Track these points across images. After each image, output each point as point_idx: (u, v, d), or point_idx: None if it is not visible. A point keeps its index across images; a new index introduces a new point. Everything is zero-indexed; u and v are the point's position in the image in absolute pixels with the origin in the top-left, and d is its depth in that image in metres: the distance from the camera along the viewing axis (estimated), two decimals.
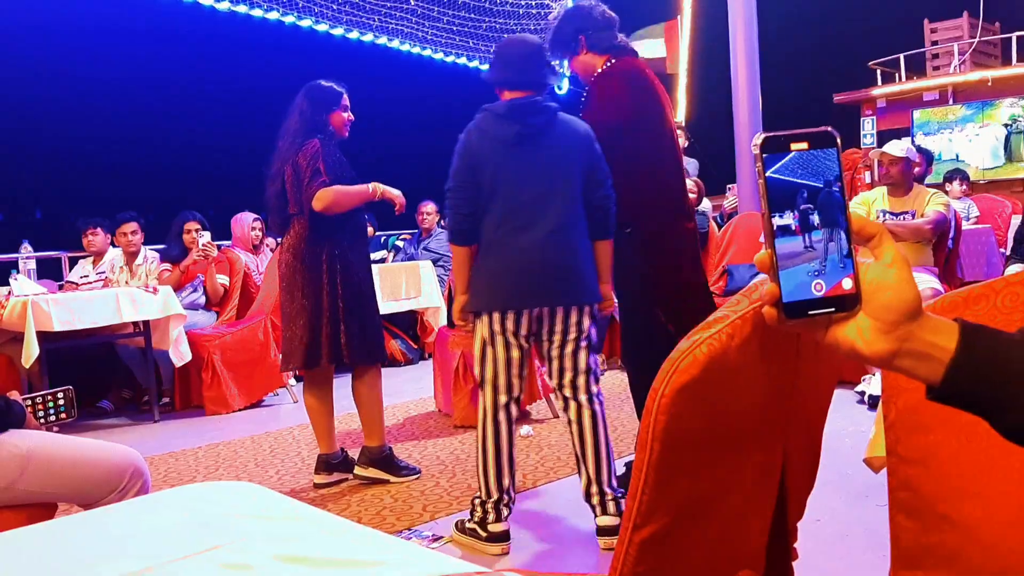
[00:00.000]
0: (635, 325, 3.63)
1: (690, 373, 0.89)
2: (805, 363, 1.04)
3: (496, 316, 3.07)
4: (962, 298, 1.20)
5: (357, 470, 3.95)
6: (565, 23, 3.63)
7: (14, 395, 2.22)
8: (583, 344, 3.10)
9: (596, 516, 3.09)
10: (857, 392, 4.95)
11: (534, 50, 3.18)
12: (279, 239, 4.08)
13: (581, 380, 3.11)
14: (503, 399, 3.11)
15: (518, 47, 3.19)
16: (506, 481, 3.10)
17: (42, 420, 2.27)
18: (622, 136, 3.40)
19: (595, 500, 3.09)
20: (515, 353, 3.09)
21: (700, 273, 3.75)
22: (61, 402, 2.30)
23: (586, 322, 3.10)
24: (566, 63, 3.74)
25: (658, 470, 0.92)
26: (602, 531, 3.08)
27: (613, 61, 3.54)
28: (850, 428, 4.25)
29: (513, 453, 3.14)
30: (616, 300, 3.63)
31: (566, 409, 3.16)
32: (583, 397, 3.11)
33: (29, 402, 2.26)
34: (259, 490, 1.14)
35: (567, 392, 3.13)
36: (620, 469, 3.82)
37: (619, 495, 3.10)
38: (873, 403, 4.78)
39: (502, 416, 3.11)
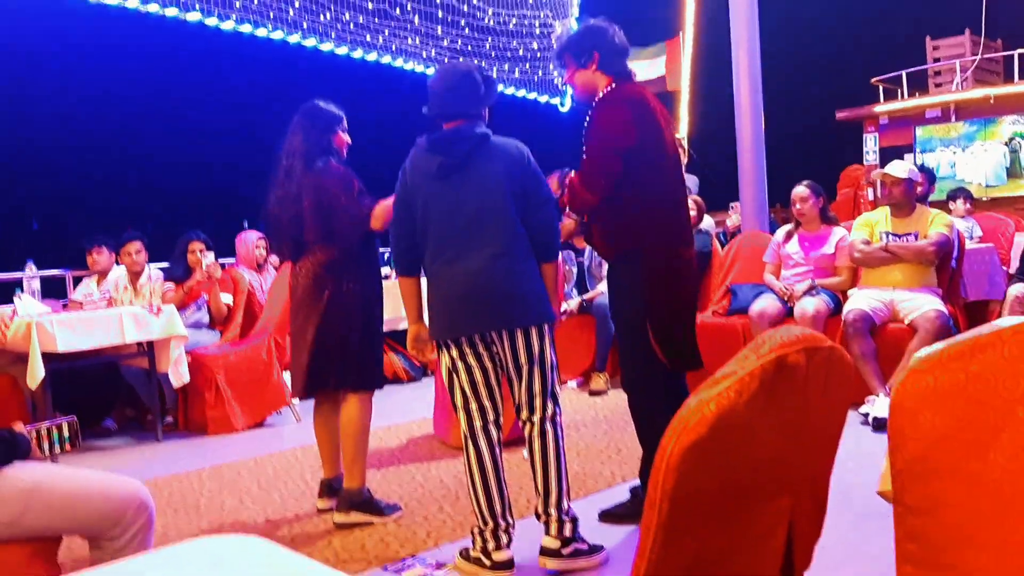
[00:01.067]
0: (632, 350, 3.63)
1: (698, 432, 0.89)
2: (812, 415, 1.04)
3: (451, 343, 3.14)
4: (968, 347, 1.20)
5: (337, 518, 3.73)
6: (584, 35, 3.65)
7: (18, 427, 2.22)
8: (536, 366, 3.14)
9: (543, 535, 3.13)
10: (861, 413, 4.94)
11: (459, 79, 3.22)
12: (288, 262, 3.99)
13: (537, 402, 3.16)
14: (478, 423, 3.15)
15: (444, 78, 3.24)
16: (498, 507, 3.11)
17: (46, 452, 2.27)
18: (623, 161, 3.44)
19: (543, 520, 3.14)
20: (478, 376, 3.14)
21: (693, 303, 3.73)
22: (65, 433, 2.30)
23: (536, 344, 3.13)
24: (564, 73, 3.76)
25: (667, 530, 0.92)
26: (544, 551, 3.12)
27: (615, 85, 3.57)
28: (854, 450, 4.23)
29: (502, 477, 3.15)
30: (612, 324, 3.70)
31: (523, 429, 3.21)
32: (536, 418, 3.16)
33: (33, 433, 2.26)
34: (269, 548, 1.14)
35: (523, 414, 3.18)
36: (625, 495, 3.82)
37: (569, 517, 3.13)
38: (878, 425, 4.76)
39: (482, 441, 3.13)
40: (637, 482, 3.89)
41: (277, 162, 3.82)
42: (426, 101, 3.26)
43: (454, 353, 3.14)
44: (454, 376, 3.17)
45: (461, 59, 9.02)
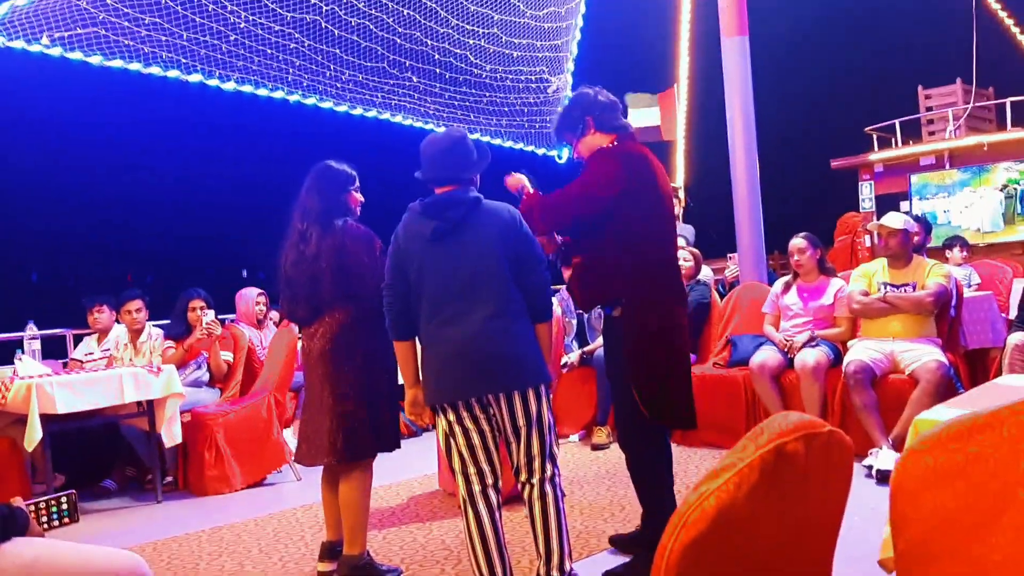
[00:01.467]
0: (623, 406, 3.63)
1: (698, 528, 0.89)
2: (813, 503, 1.04)
3: (448, 407, 3.14)
4: (967, 427, 1.21)
5: None
6: (572, 107, 3.75)
7: (17, 501, 2.21)
8: (534, 428, 3.14)
9: None
10: (864, 466, 4.91)
11: (451, 145, 3.28)
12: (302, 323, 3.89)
13: (536, 463, 3.16)
14: (477, 487, 3.14)
15: (436, 144, 3.30)
16: (499, 571, 3.09)
17: (45, 526, 2.26)
18: (612, 214, 3.47)
19: None
20: (476, 439, 3.14)
21: (685, 361, 3.69)
22: (64, 506, 2.29)
23: (534, 406, 3.13)
24: (572, 150, 3.84)
25: None
26: None
27: (617, 143, 3.63)
28: (859, 505, 4.19)
29: (502, 540, 3.14)
30: (609, 382, 3.71)
31: (522, 491, 3.20)
32: (536, 479, 3.15)
33: (32, 507, 2.25)
34: None
35: (523, 476, 3.18)
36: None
37: None
38: (881, 478, 4.73)
39: (481, 505, 3.12)
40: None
41: (290, 224, 3.79)
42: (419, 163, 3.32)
43: (451, 417, 3.15)
44: (451, 440, 3.17)
45: (459, 114, 9.13)
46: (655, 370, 3.51)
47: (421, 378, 3.28)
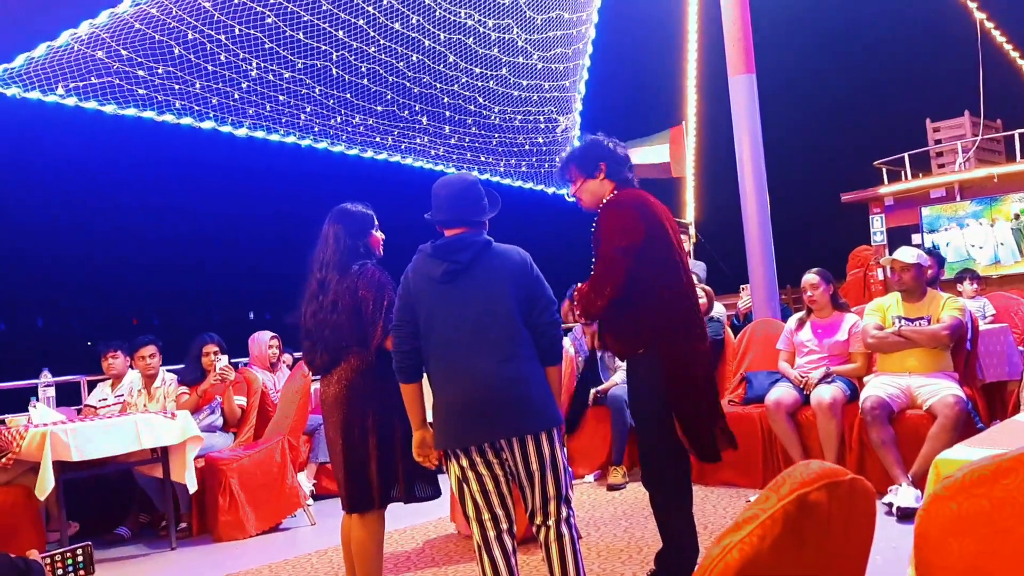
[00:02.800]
0: (653, 445, 3.65)
1: None
2: (836, 551, 1.03)
3: (460, 453, 3.11)
4: (990, 472, 1.19)
5: None
6: (590, 148, 3.83)
7: (33, 554, 2.20)
8: (548, 471, 3.10)
9: None
10: (885, 504, 4.85)
11: (463, 189, 3.29)
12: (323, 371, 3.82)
13: (551, 507, 3.13)
14: (491, 533, 3.11)
15: (448, 187, 3.31)
16: None
17: None
18: (634, 262, 3.53)
19: None
20: (490, 484, 3.11)
21: (714, 392, 3.80)
22: (80, 559, 2.29)
23: (547, 448, 3.10)
24: (570, 187, 3.88)
25: None
26: None
27: (617, 191, 3.72)
28: (880, 543, 4.13)
29: None
30: (633, 421, 3.70)
31: (537, 534, 3.17)
32: (551, 522, 3.12)
33: (48, 560, 2.24)
34: None
35: (538, 519, 3.14)
36: None
37: None
38: (903, 515, 4.68)
39: (496, 551, 3.09)
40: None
41: (309, 273, 3.76)
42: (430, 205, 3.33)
43: (464, 463, 3.12)
44: (464, 486, 3.14)
45: (469, 155, 9.20)
46: (693, 405, 3.59)
47: (431, 421, 3.25)
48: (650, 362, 3.57)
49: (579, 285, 3.73)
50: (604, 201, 3.72)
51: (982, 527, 1.14)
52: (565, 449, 3.27)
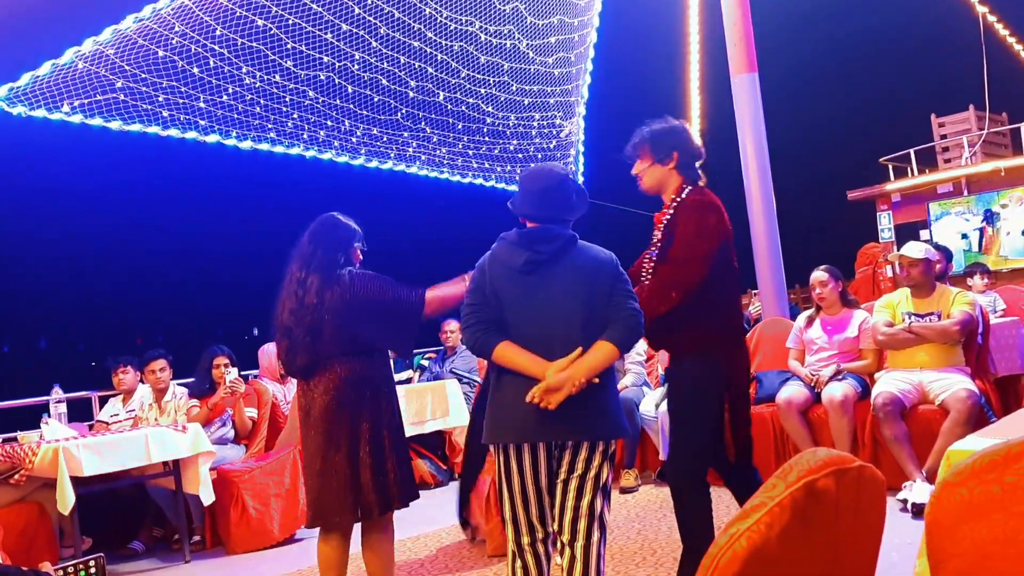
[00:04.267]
0: (695, 446, 3.56)
1: (731, 570, 0.88)
2: (846, 539, 1.02)
3: (511, 449, 2.96)
4: (1001, 457, 1.18)
5: None
6: (668, 133, 3.66)
7: (45, 567, 2.20)
8: (589, 484, 2.93)
9: None
10: (899, 500, 4.82)
11: (552, 185, 3.13)
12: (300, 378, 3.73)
13: (581, 524, 2.91)
14: (526, 540, 2.97)
15: (539, 181, 3.15)
16: None
17: None
18: (709, 263, 3.45)
19: None
20: (531, 487, 2.96)
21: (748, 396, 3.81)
22: (93, 570, 2.28)
23: (597, 460, 2.94)
24: (636, 164, 3.70)
25: None
26: None
27: (689, 189, 3.57)
28: (895, 539, 4.12)
29: None
30: (673, 421, 3.63)
31: (561, 553, 2.97)
32: (579, 545, 2.90)
33: (60, 572, 2.24)
34: None
35: (565, 536, 2.92)
36: None
37: None
38: (917, 511, 4.65)
39: (529, 558, 2.97)
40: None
41: (287, 272, 3.68)
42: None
43: (513, 464, 2.96)
44: (505, 484, 2.99)
45: (474, 162, 9.21)
46: (744, 406, 3.60)
47: (490, 416, 3.06)
48: (709, 364, 3.52)
49: (643, 275, 3.64)
50: (684, 197, 3.57)
51: (993, 513, 1.13)
52: (612, 468, 3.06)
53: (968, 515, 1.14)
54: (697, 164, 3.68)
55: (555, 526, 2.99)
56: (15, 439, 5.64)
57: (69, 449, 5.12)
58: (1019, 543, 1.11)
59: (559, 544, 3.00)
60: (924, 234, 11.46)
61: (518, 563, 2.99)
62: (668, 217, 3.58)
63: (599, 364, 2.92)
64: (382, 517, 3.61)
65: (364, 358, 3.61)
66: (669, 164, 3.59)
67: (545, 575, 3.01)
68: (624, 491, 6.16)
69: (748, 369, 3.70)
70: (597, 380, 2.90)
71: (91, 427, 6.72)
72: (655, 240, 3.64)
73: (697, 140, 3.77)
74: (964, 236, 11.66)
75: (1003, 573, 1.11)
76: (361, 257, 3.81)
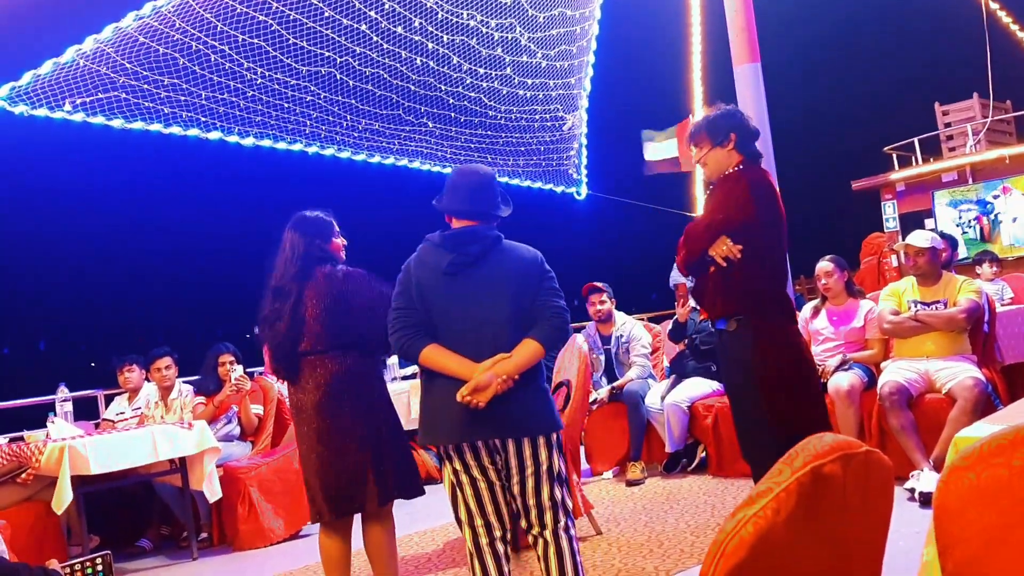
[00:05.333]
0: (750, 420, 3.71)
1: (737, 556, 0.87)
2: (854, 525, 1.01)
3: (451, 450, 2.99)
4: (1009, 442, 1.17)
5: None
6: (723, 118, 3.86)
7: (53, 564, 2.21)
8: (544, 477, 2.97)
9: None
10: (907, 489, 4.81)
11: (483, 181, 3.17)
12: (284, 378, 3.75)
13: (548, 516, 2.98)
14: (484, 540, 2.99)
15: (467, 177, 3.18)
16: None
17: None
18: (743, 237, 3.61)
19: None
20: (484, 489, 2.99)
21: (814, 373, 3.91)
22: (100, 568, 2.29)
23: (543, 454, 2.97)
24: (695, 151, 3.91)
25: None
26: None
27: (743, 165, 3.76)
28: (903, 528, 4.09)
29: None
30: (727, 397, 3.90)
31: (535, 546, 3.02)
32: (548, 532, 2.98)
33: (67, 570, 2.25)
34: None
35: (534, 529, 3.00)
36: None
37: None
38: (924, 500, 4.64)
39: (488, 558, 2.99)
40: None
41: (269, 279, 3.69)
42: (439, 196, 3.20)
43: (457, 465, 3.00)
44: (458, 491, 3.02)
45: (476, 156, 9.19)
46: (802, 380, 3.71)
47: (422, 420, 3.09)
48: (744, 336, 3.65)
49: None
50: (727, 172, 3.77)
51: (1002, 497, 1.12)
52: (564, 456, 3.11)
53: (976, 499, 1.13)
54: (755, 142, 3.86)
55: (523, 523, 3.03)
56: (22, 438, 5.65)
57: (75, 447, 5.13)
58: None
59: (531, 538, 3.04)
60: (929, 223, 11.41)
61: (477, 564, 3.01)
62: (711, 188, 3.87)
63: (525, 362, 2.95)
64: (382, 510, 3.62)
65: (353, 353, 3.62)
66: (728, 145, 3.77)
67: (506, 572, 3.02)
68: (630, 483, 6.16)
69: (795, 349, 3.74)
70: (517, 378, 2.91)
71: (97, 425, 6.73)
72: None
73: (751, 121, 3.95)
74: (968, 224, 11.62)
75: (1012, 558, 1.10)
76: (344, 244, 3.82)
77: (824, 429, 3.58)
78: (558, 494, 3.00)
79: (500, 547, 3.02)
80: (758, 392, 3.60)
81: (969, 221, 11.58)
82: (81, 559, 2.30)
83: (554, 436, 3.02)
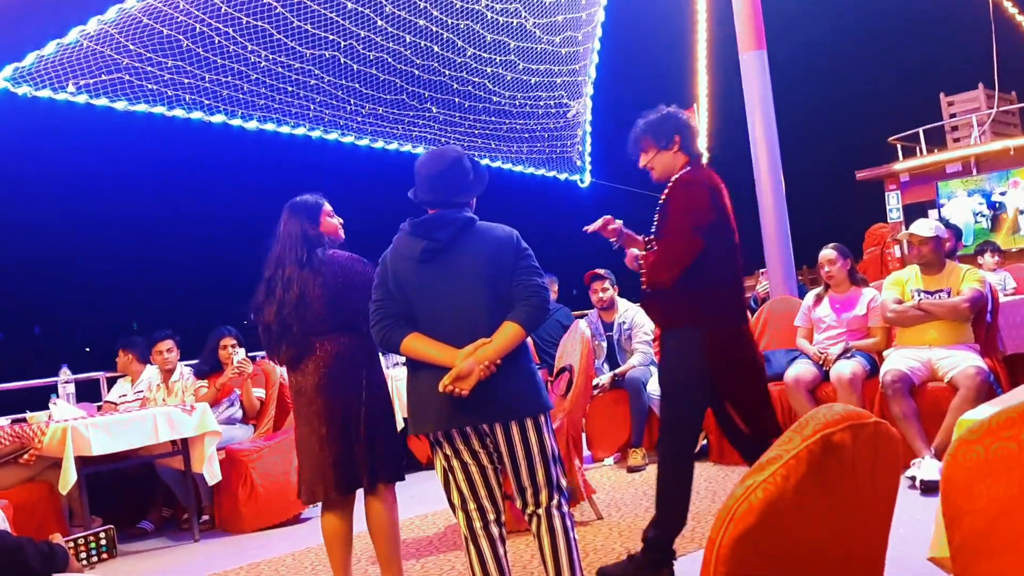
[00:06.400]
0: (681, 420, 3.72)
1: (747, 521, 0.87)
2: (862, 494, 1.01)
3: (444, 441, 2.99)
4: (1018, 415, 1.17)
5: None
6: (666, 121, 3.82)
7: (57, 538, 2.21)
8: (537, 459, 2.98)
9: None
10: (908, 477, 4.81)
11: (445, 167, 3.10)
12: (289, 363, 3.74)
13: (542, 496, 3.01)
14: (478, 524, 3.00)
15: (428, 166, 3.12)
16: None
17: (84, 562, 2.25)
18: (698, 237, 3.57)
19: None
20: (476, 473, 3.00)
21: (762, 374, 3.86)
22: (103, 542, 2.29)
23: (533, 435, 2.98)
24: (641, 156, 3.86)
25: None
26: None
27: (690, 167, 3.74)
28: (904, 516, 4.06)
29: (506, 574, 3.03)
30: (662, 394, 3.81)
31: (531, 524, 3.05)
32: (542, 510, 3.01)
33: (71, 544, 2.25)
34: None
35: (529, 507, 3.03)
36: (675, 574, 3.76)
37: None
38: (926, 488, 4.64)
39: (483, 541, 3.00)
40: (685, 557, 3.83)
41: (265, 270, 3.69)
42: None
43: (448, 451, 3.00)
44: (449, 476, 3.02)
45: (479, 142, 9.17)
46: (744, 383, 3.70)
47: (410, 409, 3.10)
48: (691, 338, 3.62)
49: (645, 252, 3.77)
50: (676, 176, 3.73)
51: (1011, 470, 1.11)
52: (554, 436, 3.13)
53: (984, 472, 1.13)
54: (699, 142, 3.89)
55: (518, 503, 3.05)
56: (24, 419, 5.67)
57: (78, 428, 5.14)
58: None
59: (527, 516, 3.06)
60: (933, 214, 11.39)
61: (472, 548, 3.01)
62: (663, 198, 3.75)
63: (505, 346, 2.93)
64: (385, 491, 3.64)
65: (351, 334, 3.64)
66: (673, 148, 3.76)
67: (501, 556, 3.02)
68: (632, 470, 6.17)
69: (749, 347, 3.76)
70: (499, 363, 2.90)
71: (99, 408, 6.74)
72: (655, 220, 3.79)
73: (692, 120, 3.92)
74: (977, 215, 11.60)
75: (1019, 530, 1.09)
76: (339, 222, 3.82)
77: (774, 431, 3.63)
78: (553, 473, 3.02)
79: (495, 529, 3.03)
80: (695, 394, 3.66)
81: (983, 211, 11.56)
82: (84, 533, 2.31)
83: (542, 417, 3.02)
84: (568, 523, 3.03)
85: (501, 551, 3.03)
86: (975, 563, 1.19)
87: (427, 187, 3.11)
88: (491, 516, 3.02)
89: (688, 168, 3.73)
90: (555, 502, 3.02)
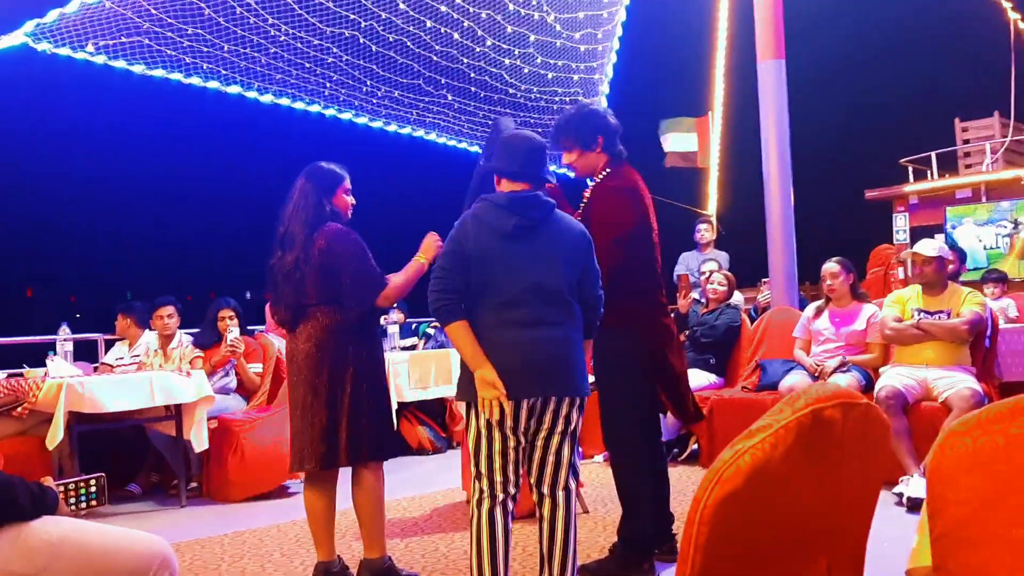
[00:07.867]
0: (620, 409, 3.85)
1: (734, 483, 0.88)
2: (849, 472, 1.02)
3: (503, 403, 3.00)
4: (1008, 410, 1.18)
5: None
6: (586, 120, 3.82)
7: (47, 481, 2.23)
8: (568, 438, 3.09)
9: None
10: (895, 493, 4.82)
11: (538, 147, 3.23)
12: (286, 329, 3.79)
13: (562, 474, 3.09)
14: (500, 495, 3.03)
15: (524, 142, 3.24)
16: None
17: (73, 507, 2.27)
18: (621, 245, 3.66)
19: None
20: (512, 444, 3.03)
21: (683, 362, 4.07)
22: (93, 489, 2.31)
23: (575, 416, 3.09)
24: (564, 155, 3.89)
25: None
26: None
27: (610, 168, 3.79)
28: (889, 532, 4.09)
29: (508, 557, 3.05)
30: (599, 388, 3.91)
31: (540, 505, 3.11)
32: (560, 494, 3.08)
33: (62, 488, 2.26)
34: None
35: (545, 487, 3.09)
36: (659, 570, 3.78)
37: None
38: (912, 505, 4.65)
39: (499, 514, 3.02)
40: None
41: (277, 226, 3.73)
42: (487, 155, 3.29)
43: (497, 418, 2.99)
44: (484, 442, 3.03)
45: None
46: (673, 376, 3.88)
47: (466, 375, 3.11)
48: (629, 336, 3.74)
49: None
50: (598, 178, 3.79)
51: (996, 463, 1.13)
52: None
53: (971, 465, 1.14)
54: (619, 140, 3.87)
55: (532, 479, 3.12)
56: (21, 374, 5.68)
57: (73, 385, 5.15)
58: (1019, 494, 1.11)
59: (538, 495, 3.12)
60: (939, 238, 11.38)
61: (485, 518, 3.01)
62: (585, 199, 3.82)
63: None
64: (369, 468, 3.65)
65: (356, 306, 3.64)
66: (596, 148, 3.80)
67: (510, 532, 3.06)
68: None
69: (670, 336, 3.91)
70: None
71: (96, 368, 6.76)
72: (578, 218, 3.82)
73: (613, 118, 3.89)
74: (997, 236, 11.59)
75: (1002, 522, 1.11)
76: (351, 203, 3.84)
77: (695, 415, 4.08)
78: (574, 456, 3.15)
79: (510, 505, 3.07)
80: (632, 385, 3.80)
81: (1001, 237, 11.54)
82: (75, 479, 2.32)
83: (584, 401, 3.15)
84: (571, 501, 3.12)
85: (510, 525, 3.07)
86: (955, 552, 1.20)
87: (521, 160, 3.17)
88: (511, 490, 3.06)
89: (609, 170, 3.78)
90: (572, 485, 3.13)
